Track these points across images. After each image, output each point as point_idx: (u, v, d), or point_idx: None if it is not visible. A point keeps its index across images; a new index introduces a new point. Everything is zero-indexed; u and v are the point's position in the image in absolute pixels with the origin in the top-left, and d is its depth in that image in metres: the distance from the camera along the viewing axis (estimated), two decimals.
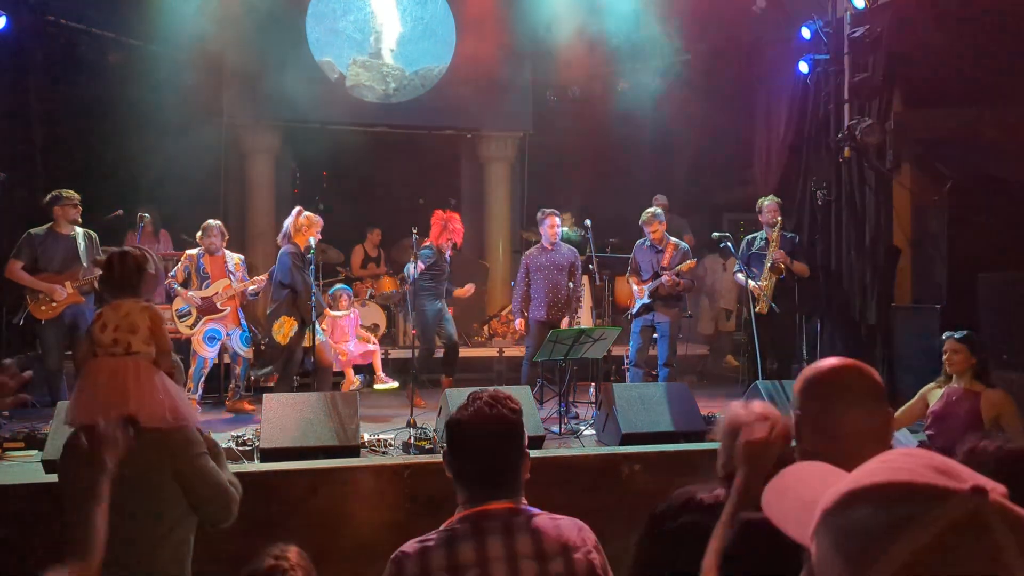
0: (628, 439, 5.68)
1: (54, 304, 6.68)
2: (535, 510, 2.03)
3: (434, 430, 5.90)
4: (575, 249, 7.68)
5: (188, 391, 6.97)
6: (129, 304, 3.30)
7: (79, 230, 6.89)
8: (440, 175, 11.98)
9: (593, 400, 7.21)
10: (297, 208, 7.21)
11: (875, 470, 0.92)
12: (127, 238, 8.42)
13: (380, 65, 11.07)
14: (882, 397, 1.76)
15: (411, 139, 11.37)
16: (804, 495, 1.01)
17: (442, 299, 7.75)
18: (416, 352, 7.16)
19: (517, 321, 7.67)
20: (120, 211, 8.16)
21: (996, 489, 0.86)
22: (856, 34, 7.85)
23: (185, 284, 7.17)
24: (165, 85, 9.40)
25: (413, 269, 7.30)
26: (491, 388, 2.15)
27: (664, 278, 7.17)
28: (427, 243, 7.63)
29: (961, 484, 0.86)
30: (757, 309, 7.17)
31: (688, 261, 7.27)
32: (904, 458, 0.92)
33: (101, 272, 3.49)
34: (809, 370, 1.81)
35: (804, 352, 8.05)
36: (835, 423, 1.71)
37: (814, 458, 1.61)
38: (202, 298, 7.13)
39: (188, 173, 9.31)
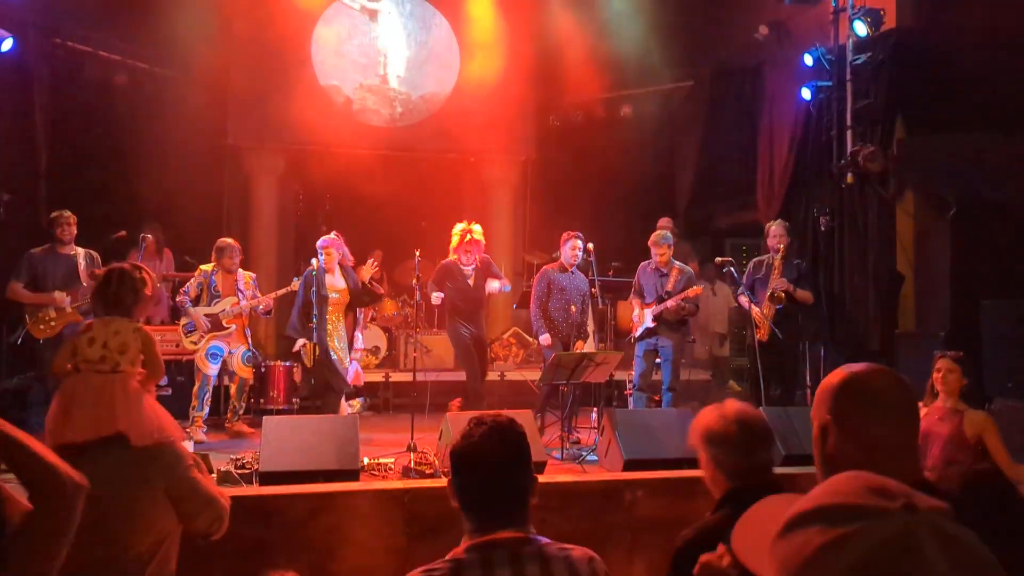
0: (631, 465, 5.62)
1: (52, 323, 6.66)
2: (544, 539, 1.98)
3: (434, 454, 5.86)
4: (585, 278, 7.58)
5: (192, 409, 6.95)
6: (120, 323, 3.29)
7: (80, 250, 6.90)
8: (443, 198, 11.98)
9: (595, 425, 7.16)
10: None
11: (818, 494, 0.96)
12: (130, 257, 8.42)
13: (387, 90, 11.14)
14: (916, 410, 1.71)
15: (414, 162, 11.40)
16: (769, 530, 1.01)
17: (473, 323, 7.41)
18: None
19: (544, 337, 7.31)
20: (123, 232, 8.17)
21: (933, 507, 0.90)
22: (858, 61, 7.89)
23: (196, 300, 7.17)
24: (170, 107, 9.46)
25: (435, 298, 7.22)
26: (493, 412, 2.11)
27: (669, 303, 7.14)
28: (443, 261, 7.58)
29: (892, 503, 0.89)
30: (758, 336, 7.15)
31: (694, 287, 7.24)
32: (845, 480, 0.96)
33: (96, 284, 3.47)
34: (843, 372, 1.72)
35: (807, 378, 8.00)
36: (870, 431, 1.64)
37: (841, 466, 1.60)
38: (208, 315, 7.12)
39: (192, 194, 9.34)
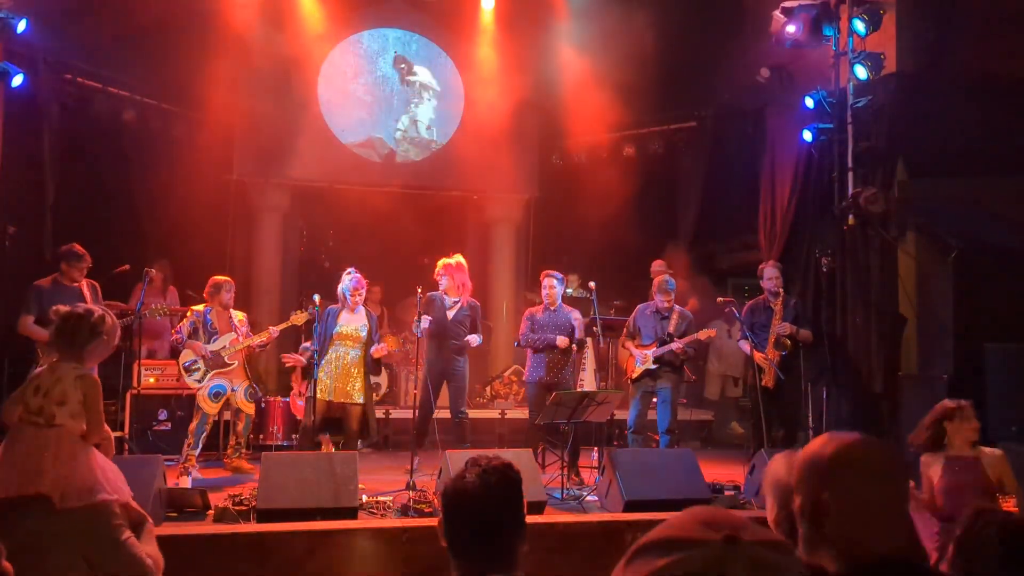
0: (632, 506, 5.58)
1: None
2: None
3: (434, 493, 5.81)
4: (577, 310, 7.50)
5: (188, 446, 6.90)
6: (65, 369, 3.18)
7: (84, 280, 6.94)
8: (446, 235, 12.04)
9: (596, 465, 7.11)
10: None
11: (659, 528, 1.05)
12: (134, 291, 8.44)
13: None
14: (906, 476, 1.72)
15: (418, 199, 11.47)
16: None
17: (441, 355, 7.19)
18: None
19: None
20: (127, 266, 8.20)
21: (758, 539, 0.98)
22: (859, 104, 7.96)
23: (191, 339, 7.15)
24: (177, 143, 9.55)
25: (424, 322, 7.01)
26: (491, 453, 2.10)
27: (675, 346, 7.13)
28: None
29: (715, 534, 0.98)
30: (763, 382, 7.13)
31: (708, 330, 7.30)
32: (683, 515, 1.06)
33: (55, 323, 3.37)
34: (833, 445, 1.68)
35: (810, 420, 7.96)
36: (870, 505, 1.63)
37: (840, 543, 1.62)
38: (211, 352, 7.11)
39: (196, 230, 9.39)
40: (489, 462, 1.99)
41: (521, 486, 1.99)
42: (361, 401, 6.97)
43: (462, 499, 1.95)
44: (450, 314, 7.25)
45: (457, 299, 7.31)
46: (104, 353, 3.47)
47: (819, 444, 1.71)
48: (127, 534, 2.87)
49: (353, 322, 7.06)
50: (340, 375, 6.92)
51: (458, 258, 7.47)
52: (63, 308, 3.42)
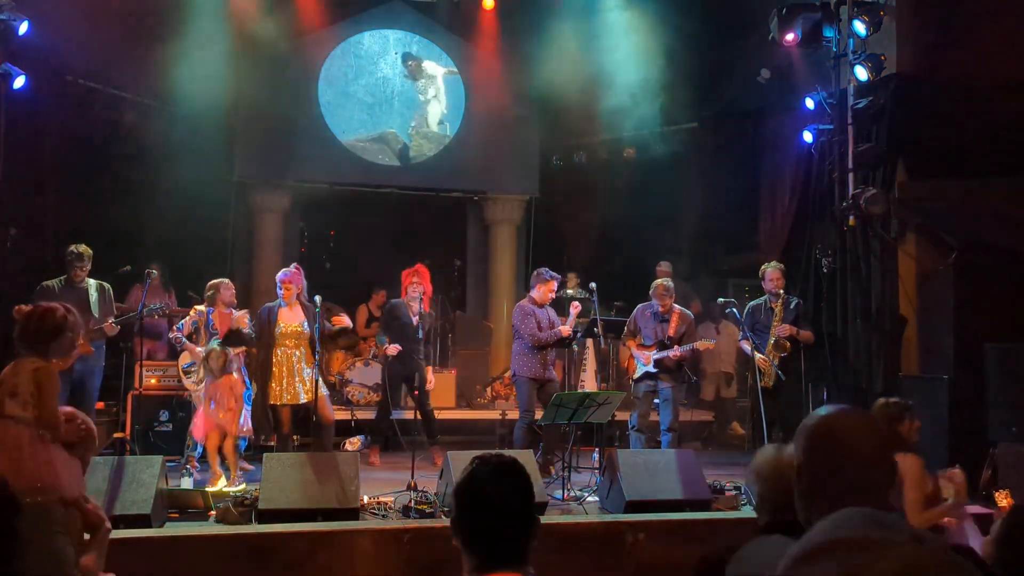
0: (632, 507, 5.58)
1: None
2: None
3: (435, 493, 5.82)
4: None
5: (187, 448, 6.90)
6: (26, 363, 3.20)
7: (91, 281, 6.96)
8: (446, 236, 12.08)
9: (597, 466, 7.11)
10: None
11: (828, 528, 1.02)
12: (133, 291, 8.45)
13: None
14: (884, 452, 1.72)
15: (418, 200, 11.49)
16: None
17: (411, 360, 7.67)
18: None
19: (562, 328, 7.28)
20: (128, 267, 8.21)
21: (934, 541, 0.96)
22: (859, 105, 7.95)
23: (191, 339, 7.15)
24: (178, 144, 9.55)
25: (391, 348, 7.58)
26: (494, 452, 2.12)
27: (672, 353, 7.17)
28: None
29: (899, 535, 0.96)
30: (763, 383, 7.15)
31: (705, 342, 7.41)
32: (849, 515, 1.04)
33: (18, 322, 3.37)
34: (816, 416, 1.77)
35: None
36: (835, 474, 1.66)
37: (813, 505, 1.65)
38: None
39: (197, 230, 9.41)
40: (498, 459, 2.02)
41: (530, 481, 2.01)
42: (312, 396, 6.75)
43: (475, 494, 1.97)
44: (415, 319, 7.68)
45: (420, 307, 7.74)
46: (68, 350, 3.45)
47: (811, 414, 1.79)
48: (61, 540, 2.85)
49: (292, 320, 6.90)
50: (288, 377, 6.81)
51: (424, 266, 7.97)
52: (25, 307, 3.44)
